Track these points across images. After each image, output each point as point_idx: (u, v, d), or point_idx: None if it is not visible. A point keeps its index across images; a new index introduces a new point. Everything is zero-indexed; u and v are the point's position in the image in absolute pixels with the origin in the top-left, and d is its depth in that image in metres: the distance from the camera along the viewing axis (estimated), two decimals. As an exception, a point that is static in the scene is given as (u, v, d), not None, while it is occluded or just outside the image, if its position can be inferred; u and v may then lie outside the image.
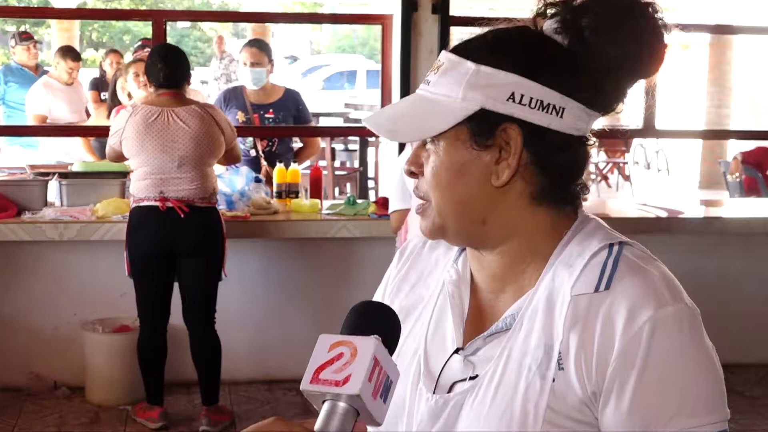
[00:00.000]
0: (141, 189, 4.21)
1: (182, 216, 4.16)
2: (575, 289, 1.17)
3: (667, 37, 1.21)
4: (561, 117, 1.19)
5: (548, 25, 1.23)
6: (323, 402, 1.03)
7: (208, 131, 4.24)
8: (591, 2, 1.20)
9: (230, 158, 4.52)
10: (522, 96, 1.17)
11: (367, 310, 1.12)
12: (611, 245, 1.19)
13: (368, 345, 1.03)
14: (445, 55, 1.23)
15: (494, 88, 1.18)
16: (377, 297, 1.42)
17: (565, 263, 1.20)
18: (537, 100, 1.18)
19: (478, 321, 1.26)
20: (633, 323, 1.12)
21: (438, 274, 1.34)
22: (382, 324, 1.10)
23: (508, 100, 1.17)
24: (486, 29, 1.25)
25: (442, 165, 1.21)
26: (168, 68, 4.29)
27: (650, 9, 1.19)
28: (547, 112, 1.18)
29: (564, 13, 1.21)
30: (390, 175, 4.23)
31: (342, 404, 1.02)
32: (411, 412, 1.24)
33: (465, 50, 1.22)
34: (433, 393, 1.23)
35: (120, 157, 4.37)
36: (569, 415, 1.14)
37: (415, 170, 1.24)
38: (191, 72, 4.47)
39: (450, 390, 1.23)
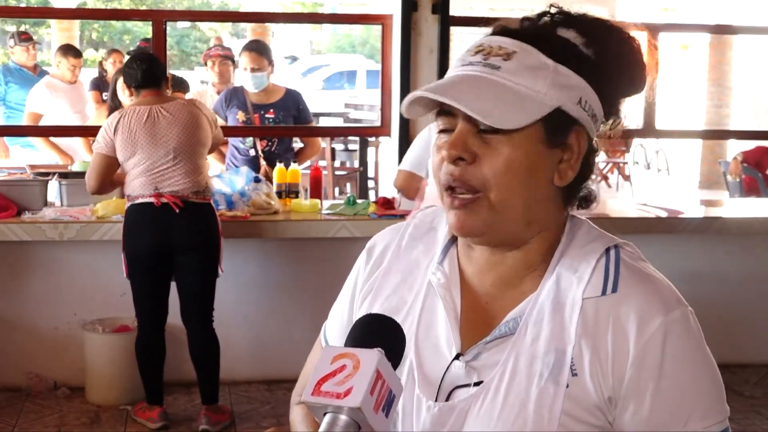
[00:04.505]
0: (136, 187, 4.22)
1: (177, 211, 4.17)
2: (585, 292, 1.18)
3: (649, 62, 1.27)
4: (597, 125, 1.25)
5: (569, 35, 1.23)
6: (324, 414, 1.02)
7: (197, 122, 4.28)
8: (599, 24, 1.24)
9: (215, 145, 4.54)
10: (586, 102, 1.21)
11: (372, 323, 1.11)
12: (608, 249, 1.22)
13: (371, 358, 1.02)
14: (514, 42, 1.19)
15: (569, 90, 1.19)
16: (345, 298, 1.38)
17: (569, 267, 1.20)
18: (591, 108, 1.22)
19: (473, 325, 1.23)
20: (645, 329, 1.15)
21: (420, 276, 1.30)
22: (386, 337, 1.09)
23: (577, 103, 1.20)
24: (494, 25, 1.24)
25: (517, 160, 1.17)
26: (144, 65, 4.33)
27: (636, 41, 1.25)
28: (594, 121, 1.24)
29: (584, 25, 1.23)
30: (418, 137, 4.11)
31: (343, 417, 1.01)
32: (409, 420, 1.22)
33: (532, 40, 1.20)
34: (435, 400, 1.21)
35: (105, 172, 4.24)
36: (583, 419, 1.16)
37: (466, 157, 1.17)
38: (167, 74, 4.53)
39: (449, 396, 1.21)
